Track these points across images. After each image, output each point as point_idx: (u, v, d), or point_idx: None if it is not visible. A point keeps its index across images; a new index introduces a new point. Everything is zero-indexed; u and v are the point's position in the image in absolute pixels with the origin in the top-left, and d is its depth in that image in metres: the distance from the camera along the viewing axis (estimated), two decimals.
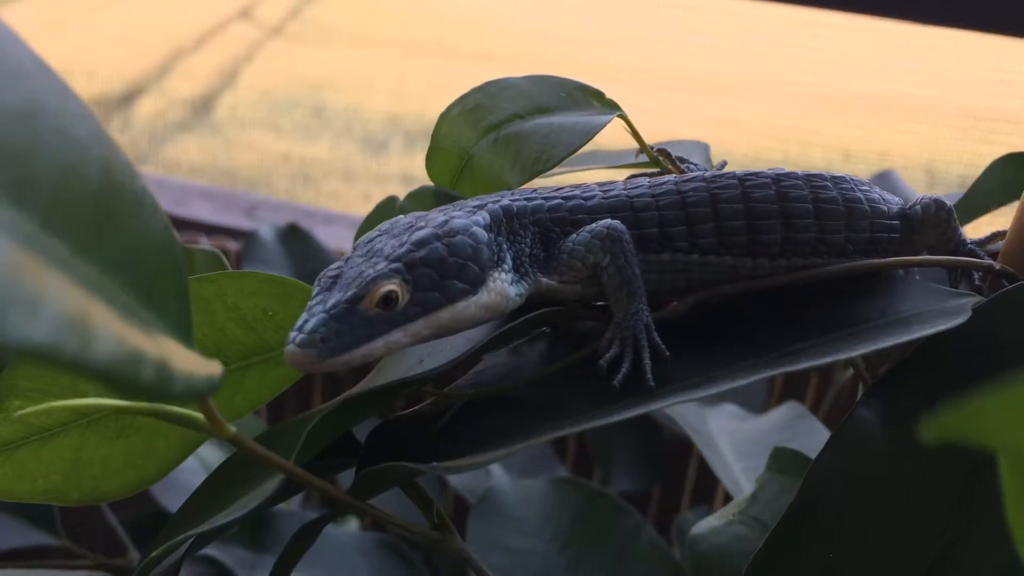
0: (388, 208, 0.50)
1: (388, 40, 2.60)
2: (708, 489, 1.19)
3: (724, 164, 0.49)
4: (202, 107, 2.45)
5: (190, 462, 0.68)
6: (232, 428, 0.34)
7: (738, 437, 0.70)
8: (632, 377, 0.38)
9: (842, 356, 0.36)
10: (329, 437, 0.37)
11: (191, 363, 0.27)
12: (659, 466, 0.99)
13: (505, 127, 0.47)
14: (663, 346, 0.38)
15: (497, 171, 0.46)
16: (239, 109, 2.50)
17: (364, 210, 0.55)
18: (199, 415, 0.33)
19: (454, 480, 0.84)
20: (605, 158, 0.53)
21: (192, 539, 0.40)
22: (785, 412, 0.71)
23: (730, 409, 0.75)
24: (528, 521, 0.69)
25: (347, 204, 1.97)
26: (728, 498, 1.18)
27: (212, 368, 0.28)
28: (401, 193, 0.51)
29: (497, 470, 0.75)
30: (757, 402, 0.89)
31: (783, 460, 0.51)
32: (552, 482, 0.71)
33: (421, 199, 0.48)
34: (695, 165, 0.48)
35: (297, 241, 1.06)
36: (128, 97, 2.28)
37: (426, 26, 2.48)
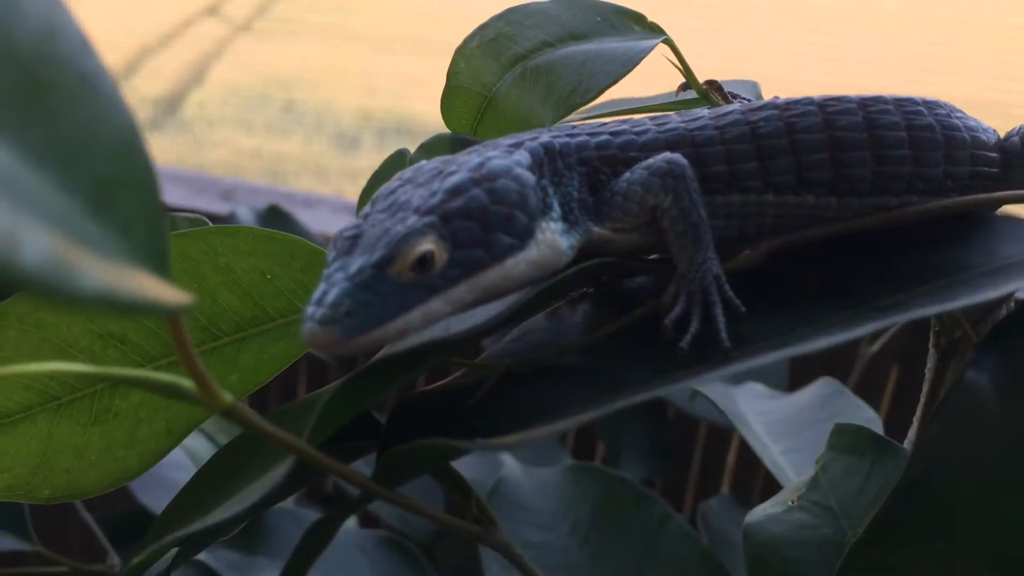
0: (397, 163, 0.44)
1: (357, 35, 2.59)
2: (715, 474, 1.15)
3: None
4: (170, 106, 2.43)
5: (176, 456, 0.62)
6: (228, 397, 0.27)
7: (771, 417, 0.64)
8: (702, 337, 0.32)
9: (954, 306, 0.31)
10: (346, 414, 0.31)
11: (130, 276, 0.21)
12: (668, 451, 0.94)
13: (534, 57, 0.41)
14: (737, 300, 0.33)
15: (526, 108, 0.40)
16: (208, 107, 2.48)
17: None
18: (188, 383, 0.27)
19: (460, 471, 0.78)
20: (634, 103, 0.47)
21: (184, 540, 0.34)
22: (819, 389, 0.66)
23: (756, 388, 0.70)
24: (545, 513, 0.63)
25: None
26: (736, 482, 1.14)
27: (167, 293, 0.22)
28: None
29: (508, 459, 0.69)
30: (777, 380, 0.83)
31: (847, 438, 0.45)
32: (568, 470, 0.66)
33: (435, 149, 0.42)
34: (748, 101, 0.42)
35: (278, 224, 1.00)
36: None
37: (395, 20, 2.46)
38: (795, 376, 0.90)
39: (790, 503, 0.45)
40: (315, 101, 2.54)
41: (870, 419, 0.61)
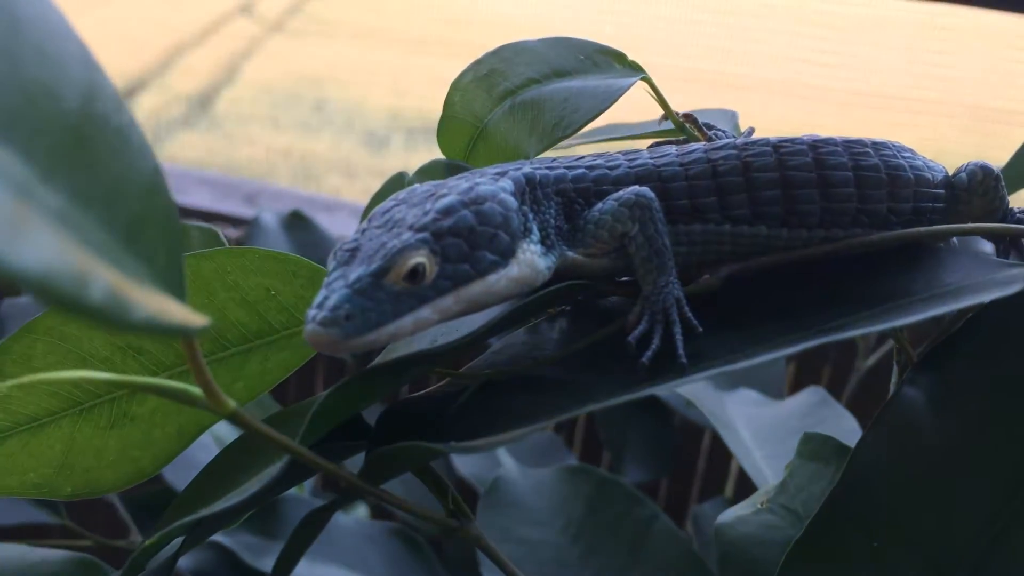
0: (397, 184, 0.47)
1: (389, 35, 2.59)
2: (718, 479, 1.17)
3: (752, 131, 0.47)
4: (203, 103, 2.44)
5: (203, 438, 0.65)
6: (232, 403, 0.31)
7: (759, 423, 0.67)
8: (662, 354, 0.35)
9: (888, 326, 0.34)
10: (337, 417, 0.35)
11: (165, 305, 0.25)
12: (671, 456, 0.97)
13: (521, 92, 0.44)
14: (695, 321, 0.36)
15: (514, 139, 0.44)
16: (240, 104, 2.49)
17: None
18: (196, 390, 0.30)
19: (463, 469, 0.81)
20: (624, 130, 0.50)
21: (191, 528, 0.38)
22: (807, 397, 0.69)
23: (749, 394, 0.73)
24: (539, 511, 0.66)
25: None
26: (739, 488, 1.17)
27: (190, 317, 0.26)
28: None
29: (507, 459, 0.73)
30: (775, 389, 0.86)
31: (814, 446, 0.48)
32: (563, 470, 0.69)
33: (432, 173, 0.45)
34: (723, 132, 0.46)
35: (300, 228, 1.04)
36: (129, 93, 2.27)
37: (426, 21, 2.46)
38: (796, 388, 0.93)
39: (759, 505, 0.48)
40: (345, 100, 2.55)
41: (851, 429, 0.63)
